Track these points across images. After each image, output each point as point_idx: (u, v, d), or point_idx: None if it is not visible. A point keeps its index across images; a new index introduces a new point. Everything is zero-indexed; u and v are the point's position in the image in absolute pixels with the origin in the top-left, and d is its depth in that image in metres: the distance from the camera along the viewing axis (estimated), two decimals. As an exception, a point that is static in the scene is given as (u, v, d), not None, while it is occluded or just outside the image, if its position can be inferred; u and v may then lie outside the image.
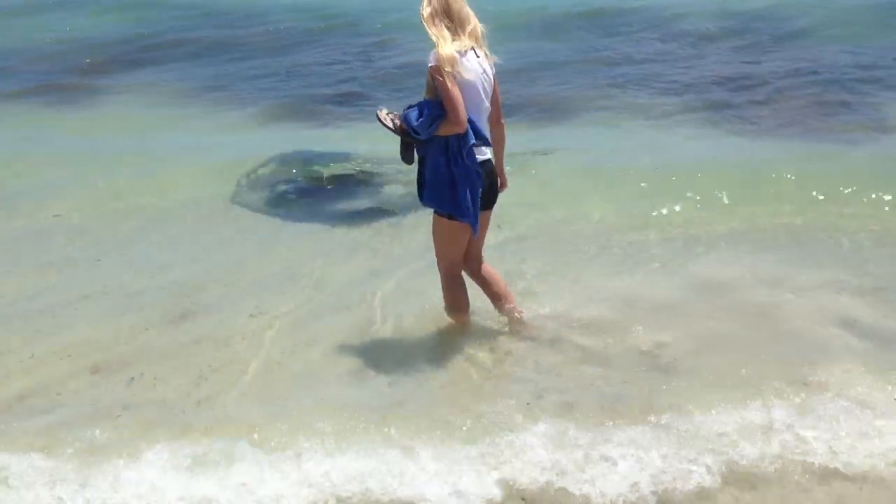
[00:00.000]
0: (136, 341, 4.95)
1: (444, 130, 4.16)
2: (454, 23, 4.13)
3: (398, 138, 4.28)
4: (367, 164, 7.75)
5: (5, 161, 8.24)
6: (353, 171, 7.68)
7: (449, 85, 4.04)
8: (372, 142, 7.66)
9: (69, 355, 4.79)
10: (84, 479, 3.66)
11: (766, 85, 9.98)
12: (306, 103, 10.27)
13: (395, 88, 10.57)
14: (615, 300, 5.15)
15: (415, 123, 4.12)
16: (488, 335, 4.79)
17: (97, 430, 4.03)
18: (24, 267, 6.03)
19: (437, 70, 4.05)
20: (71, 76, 11.98)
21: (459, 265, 4.66)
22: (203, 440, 3.91)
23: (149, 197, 7.26)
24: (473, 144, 4.24)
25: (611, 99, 9.83)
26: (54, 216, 6.88)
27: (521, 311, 4.87)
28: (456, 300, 4.75)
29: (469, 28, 4.17)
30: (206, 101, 10.59)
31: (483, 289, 4.82)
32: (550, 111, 9.57)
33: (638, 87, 10.19)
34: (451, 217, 4.35)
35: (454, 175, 4.24)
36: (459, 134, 4.17)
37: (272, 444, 3.86)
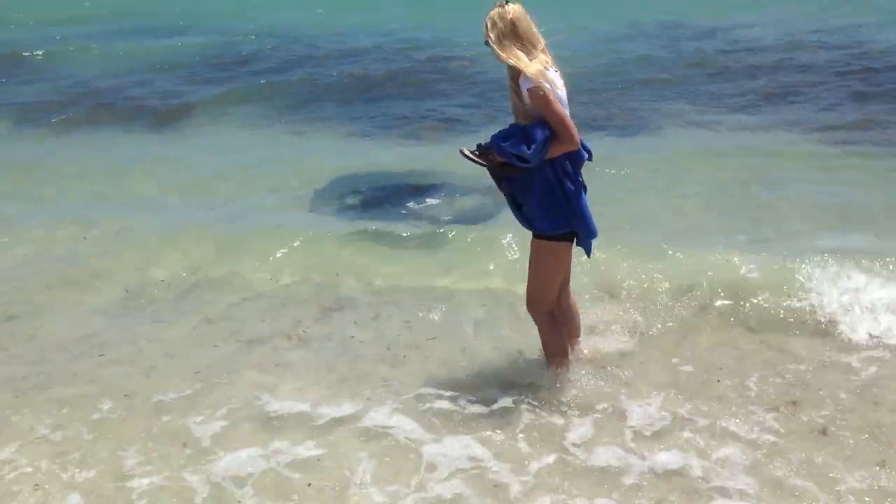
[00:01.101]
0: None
1: (555, 151, 3.98)
2: (524, 43, 3.94)
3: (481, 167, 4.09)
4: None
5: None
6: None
7: (554, 102, 3.87)
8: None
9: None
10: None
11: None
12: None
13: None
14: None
15: (528, 152, 3.90)
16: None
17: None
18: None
19: (537, 92, 3.86)
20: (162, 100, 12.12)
21: (555, 300, 4.43)
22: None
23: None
24: (586, 160, 4.12)
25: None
26: None
27: (584, 351, 4.69)
28: (562, 340, 4.53)
29: (540, 46, 4.01)
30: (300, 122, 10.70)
31: (565, 321, 4.58)
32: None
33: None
34: (560, 239, 4.16)
35: (570, 193, 4.06)
36: (571, 152, 4.01)
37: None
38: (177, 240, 6.67)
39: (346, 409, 4.36)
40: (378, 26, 16.54)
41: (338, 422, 4.26)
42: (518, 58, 3.88)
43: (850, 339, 4.88)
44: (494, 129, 4.08)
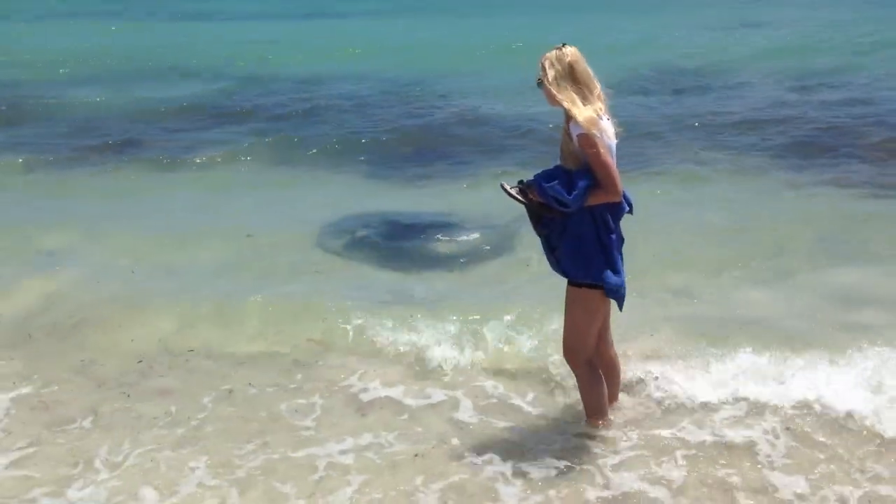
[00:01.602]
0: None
1: (596, 200, 3.89)
2: (581, 87, 3.85)
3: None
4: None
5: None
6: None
7: (603, 153, 3.80)
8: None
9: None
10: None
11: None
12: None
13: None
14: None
15: (568, 198, 3.81)
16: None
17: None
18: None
19: (587, 138, 3.78)
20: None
21: (594, 349, 4.25)
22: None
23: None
24: (626, 212, 4.03)
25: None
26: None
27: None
28: (602, 397, 4.36)
29: (597, 91, 3.92)
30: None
31: (606, 376, 4.39)
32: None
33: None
34: (593, 287, 4.02)
35: (607, 244, 3.96)
36: (612, 203, 3.90)
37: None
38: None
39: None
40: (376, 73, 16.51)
41: None
42: (573, 101, 3.81)
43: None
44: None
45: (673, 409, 4.55)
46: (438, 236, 7.53)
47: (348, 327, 5.57)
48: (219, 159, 10.35)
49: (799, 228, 7.16)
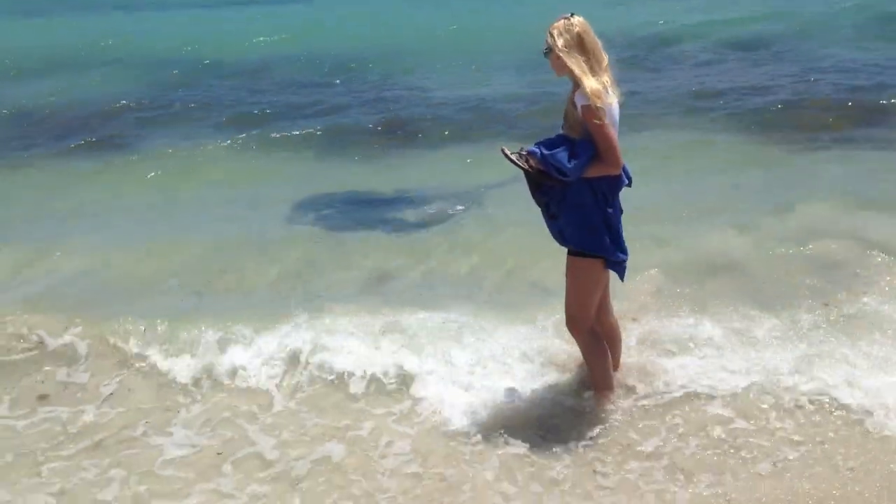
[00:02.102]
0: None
1: (595, 172, 3.94)
2: (589, 57, 3.88)
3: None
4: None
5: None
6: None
7: (607, 125, 3.83)
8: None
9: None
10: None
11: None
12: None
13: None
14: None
15: (569, 165, 3.82)
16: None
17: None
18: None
19: (591, 110, 3.81)
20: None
21: (594, 317, 4.37)
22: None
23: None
24: (626, 185, 4.07)
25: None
26: None
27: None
28: (609, 368, 4.48)
29: (604, 63, 3.96)
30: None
31: (608, 344, 4.52)
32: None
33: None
34: (594, 257, 4.11)
35: (608, 217, 4.02)
36: (612, 175, 3.93)
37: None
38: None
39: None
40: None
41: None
42: (583, 71, 3.83)
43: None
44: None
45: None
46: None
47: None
48: (182, 153, 10.06)
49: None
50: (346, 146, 9.91)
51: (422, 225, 7.24)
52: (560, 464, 4.08)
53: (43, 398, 4.87)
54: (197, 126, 11.17)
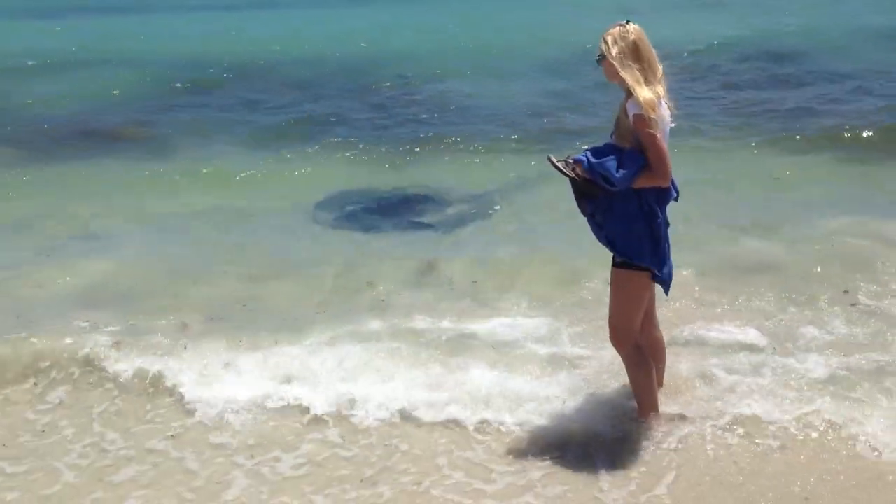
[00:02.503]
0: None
1: (644, 182, 3.83)
2: (644, 66, 3.79)
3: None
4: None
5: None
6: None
7: (658, 136, 3.74)
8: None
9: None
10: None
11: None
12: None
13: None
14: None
15: (617, 175, 3.73)
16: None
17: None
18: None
19: (643, 119, 3.71)
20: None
21: (638, 331, 4.21)
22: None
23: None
24: (673, 198, 3.99)
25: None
26: None
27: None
28: (653, 385, 4.29)
29: (659, 74, 3.86)
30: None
31: (653, 358, 4.34)
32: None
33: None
34: (640, 269, 3.98)
35: (655, 228, 3.91)
36: (660, 188, 3.86)
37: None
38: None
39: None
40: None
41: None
42: (637, 80, 3.74)
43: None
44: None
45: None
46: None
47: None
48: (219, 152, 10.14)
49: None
50: (375, 154, 9.93)
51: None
52: (600, 491, 3.87)
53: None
54: (224, 133, 11.16)
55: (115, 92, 13.63)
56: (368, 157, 9.78)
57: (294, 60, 16.10)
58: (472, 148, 9.83)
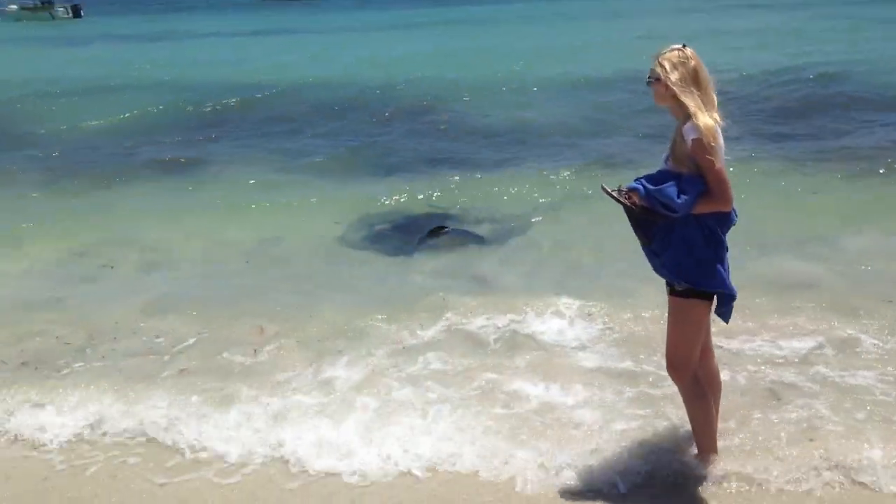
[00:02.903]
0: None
1: (704, 208, 3.71)
2: (703, 92, 3.70)
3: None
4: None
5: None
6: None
7: (718, 162, 3.64)
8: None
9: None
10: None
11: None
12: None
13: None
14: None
15: (678, 201, 3.62)
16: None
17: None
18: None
19: (702, 145, 3.62)
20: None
21: (697, 362, 4.04)
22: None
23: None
24: (734, 223, 3.86)
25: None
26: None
27: None
28: (713, 422, 4.12)
29: (714, 100, 3.76)
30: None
31: (709, 388, 4.15)
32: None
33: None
34: (699, 297, 3.85)
35: (716, 253, 3.79)
36: (721, 213, 3.74)
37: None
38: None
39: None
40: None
41: None
42: (698, 106, 3.66)
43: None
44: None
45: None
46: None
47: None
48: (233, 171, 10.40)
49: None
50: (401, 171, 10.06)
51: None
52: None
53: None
54: (257, 151, 11.46)
55: (151, 117, 13.85)
56: (427, 184, 9.80)
57: (331, 84, 16.47)
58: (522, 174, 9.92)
